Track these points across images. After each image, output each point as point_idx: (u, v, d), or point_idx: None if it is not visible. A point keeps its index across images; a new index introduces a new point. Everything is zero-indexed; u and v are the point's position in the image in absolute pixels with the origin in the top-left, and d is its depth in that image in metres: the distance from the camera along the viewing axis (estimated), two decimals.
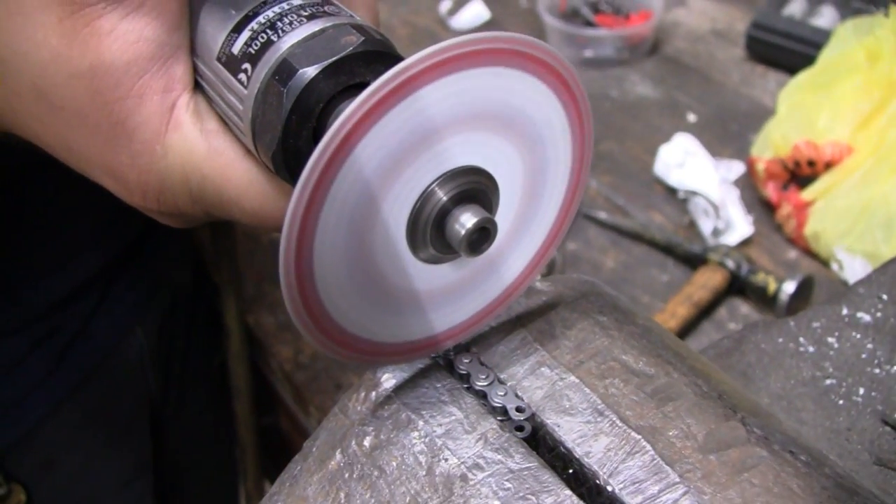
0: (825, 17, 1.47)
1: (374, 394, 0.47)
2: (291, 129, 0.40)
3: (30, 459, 0.90)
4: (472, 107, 0.39)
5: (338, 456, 0.45)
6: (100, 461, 0.99)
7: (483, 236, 0.41)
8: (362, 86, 0.38)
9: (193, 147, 0.43)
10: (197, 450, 1.21)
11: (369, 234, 0.40)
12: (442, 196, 0.40)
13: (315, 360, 1.14)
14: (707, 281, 1.11)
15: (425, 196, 0.40)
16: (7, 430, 0.88)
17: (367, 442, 0.45)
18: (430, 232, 0.41)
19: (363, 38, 0.41)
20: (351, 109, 0.35)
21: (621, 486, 0.42)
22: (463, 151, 0.40)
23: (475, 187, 0.41)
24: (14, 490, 0.88)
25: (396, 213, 0.40)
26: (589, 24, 1.60)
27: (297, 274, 0.38)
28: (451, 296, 0.46)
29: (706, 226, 1.20)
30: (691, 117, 1.43)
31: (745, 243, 1.20)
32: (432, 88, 0.37)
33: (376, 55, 0.41)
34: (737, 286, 1.13)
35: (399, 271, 0.42)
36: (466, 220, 0.40)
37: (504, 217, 0.45)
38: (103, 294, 0.95)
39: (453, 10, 1.70)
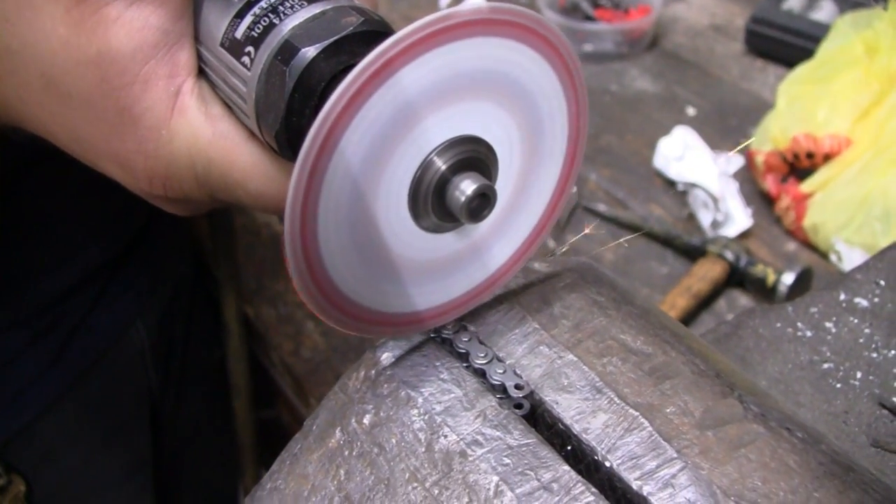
0: (824, 11, 1.47)
1: (373, 372, 0.47)
2: (294, 108, 0.41)
3: (30, 451, 0.90)
4: (468, 76, 0.40)
5: (338, 434, 0.45)
6: (100, 454, 0.99)
7: (483, 203, 0.41)
8: None
9: (198, 131, 0.44)
10: (197, 444, 1.21)
11: (372, 203, 0.40)
12: (441, 165, 0.40)
13: (315, 353, 1.15)
14: (706, 273, 1.11)
15: (424, 165, 0.40)
16: (7, 422, 0.88)
17: (366, 419, 0.45)
18: (432, 200, 0.41)
19: (363, 19, 0.42)
20: (348, 81, 0.36)
21: (619, 461, 0.42)
22: (460, 121, 0.41)
23: (473, 156, 0.42)
24: (14, 481, 0.88)
25: (398, 183, 0.41)
26: (588, 18, 1.60)
27: (302, 243, 0.39)
28: (452, 267, 0.46)
29: (705, 218, 1.20)
30: (690, 111, 1.43)
31: (745, 235, 1.20)
32: (430, 57, 0.38)
33: (376, 35, 0.42)
34: (736, 278, 1.13)
35: (402, 240, 0.43)
36: (466, 187, 0.40)
37: (503, 188, 0.45)
38: (103, 288, 0.95)
39: (452, 5, 1.70)
